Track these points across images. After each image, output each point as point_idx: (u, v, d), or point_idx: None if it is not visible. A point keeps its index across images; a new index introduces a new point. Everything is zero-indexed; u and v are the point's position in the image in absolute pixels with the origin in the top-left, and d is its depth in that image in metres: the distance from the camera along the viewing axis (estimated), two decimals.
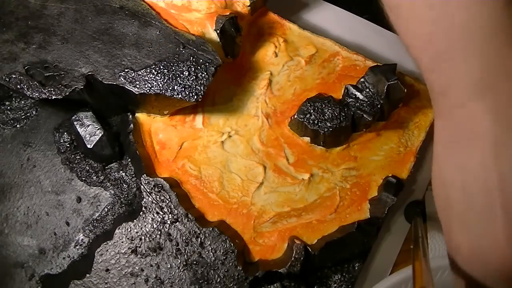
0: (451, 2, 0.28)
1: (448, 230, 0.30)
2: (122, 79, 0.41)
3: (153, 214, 0.40)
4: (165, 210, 0.40)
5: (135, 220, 0.41)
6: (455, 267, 0.30)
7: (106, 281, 0.40)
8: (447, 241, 0.30)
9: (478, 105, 0.27)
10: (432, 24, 0.29)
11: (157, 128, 0.44)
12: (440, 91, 0.30)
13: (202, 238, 0.40)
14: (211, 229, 0.40)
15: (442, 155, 0.30)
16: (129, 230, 0.40)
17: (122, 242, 0.40)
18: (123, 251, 0.40)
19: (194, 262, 0.39)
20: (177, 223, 0.40)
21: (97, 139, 0.42)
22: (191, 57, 0.41)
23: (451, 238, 0.30)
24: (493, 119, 0.27)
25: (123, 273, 0.40)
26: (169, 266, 0.40)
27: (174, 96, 0.40)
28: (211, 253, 0.40)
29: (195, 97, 0.40)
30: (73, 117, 0.43)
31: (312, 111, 0.42)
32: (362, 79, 0.42)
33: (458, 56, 0.28)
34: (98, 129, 0.42)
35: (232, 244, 0.39)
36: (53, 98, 0.40)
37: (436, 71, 0.30)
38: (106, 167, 0.44)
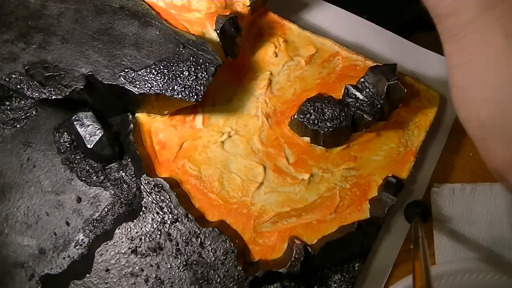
0: None
1: (487, 150, 0.30)
2: (122, 79, 0.41)
3: (153, 214, 0.40)
4: (165, 210, 0.40)
5: (135, 220, 0.41)
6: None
7: (106, 281, 0.40)
8: (489, 161, 0.31)
9: (489, 19, 0.28)
10: None
11: (157, 128, 0.44)
12: (447, 11, 0.30)
13: (202, 238, 0.40)
14: (211, 229, 0.40)
15: (461, 77, 0.31)
16: (129, 230, 0.40)
17: (122, 242, 0.40)
18: (123, 251, 0.40)
19: (194, 262, 0.39)
20: (177, 223, 0.40)
21: (97, 139, 0.42)
22: (191, 57, 0.41)
23: (492, 156, 0.30)
24: (507, 31, 0.28)
25: (123, 273, 0.40)
26: (169, 266, 0.40)
27: (174, 96, 0.40)
28: (211, 253, 0.39)
29: (195, 97, 0.40)
30: (73, 117, 0.43)
31: (312, 111, 0.42)
32: (362, 79, 0.42)
33: None
34: (98, 129, 0.42)
35: (232, 244, 0.39)
36: (53, 98, 0.40)
37: None
38: (106, 167, 0.44)
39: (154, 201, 0.41)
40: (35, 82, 0.40)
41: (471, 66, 0.30)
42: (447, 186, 0.44)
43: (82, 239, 0.42)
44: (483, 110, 0.30)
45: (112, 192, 0.43)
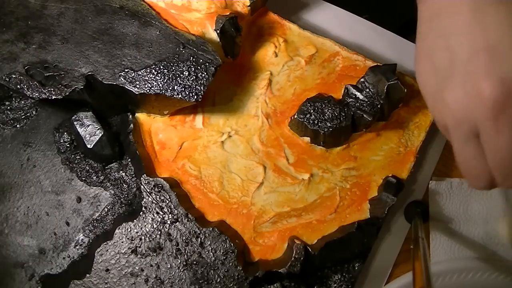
0: None
1: (435, 97, 0.31)
2: (122, 79, 0.41)
3: (153, 214, 0.40)
4: (165, 210, 0.40)
5: (135, 220, 0.41)
6: (447, 128, 0.31)
7: (106, 281, 0.40)
8: (435, 110, 0.31)
9: None
10: None
11: (157, 128, 0.44)
12: None
13: (202, 238, 0.40)
14: (211, 229, 0.40)
15: (425, 30, 0.32)
16: (129, 230, 0.40)
17: (122, 242, 0.40)
18: (123, 251, 0.40)
19: (194, 262, 0.39)
20: (177, 223, 0.40)
21: (97, 139, 0.42)
22: (191, 57, 0.41)
23: (438, 104, 0.31)
24: None
25: (123, 273, 0.40)
26: (169, 266, 0.40)
27: (174, 96, 0.40)
28: (211, 253, 0.40)
29: (195, 97, 0.40)
30: (73, 117, 0.43)
31: (312, 111, 0.42)
32: (362, 79, 0.42)
33: None
34: (98, 129, 0.42)
35: (232, 244, 0.39)
36: (53, 98, 0.40)
37: None
38: (106, 167, 0.44)
39: (154, 201, 0.41)
40: (35, 82, 0.40)
41: (436, 19, 0.31)
42: (445, 180, 0.44)
43: (82, 239, 0.42)
44: (439, 55, 0.30)
45: (112, 192, 0.43)
